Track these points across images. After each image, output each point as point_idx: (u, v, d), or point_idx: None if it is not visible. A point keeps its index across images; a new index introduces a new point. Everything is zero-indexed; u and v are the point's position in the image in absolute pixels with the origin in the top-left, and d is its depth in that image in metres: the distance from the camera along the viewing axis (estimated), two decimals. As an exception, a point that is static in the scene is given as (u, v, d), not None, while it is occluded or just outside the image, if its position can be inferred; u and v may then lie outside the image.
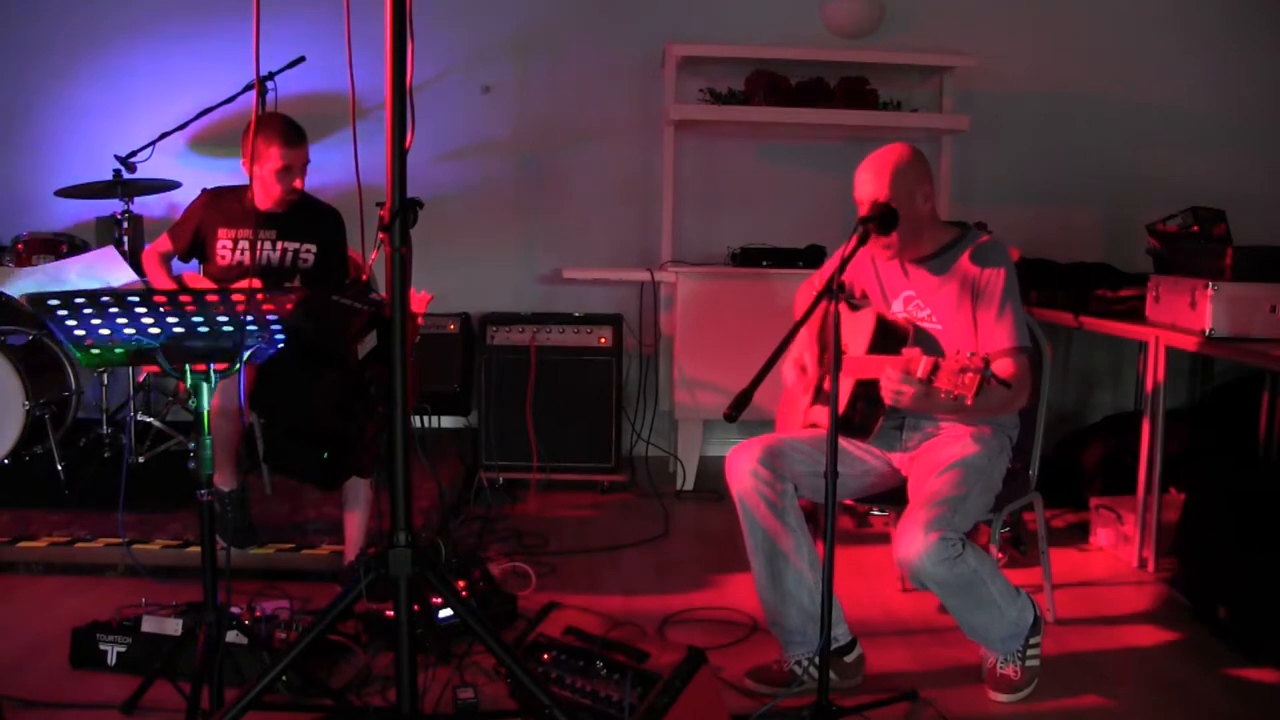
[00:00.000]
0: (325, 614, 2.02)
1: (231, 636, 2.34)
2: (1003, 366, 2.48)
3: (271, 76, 4.18)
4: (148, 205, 4.56)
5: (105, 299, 2.01)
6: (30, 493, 3.72)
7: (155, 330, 2.08)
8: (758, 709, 2.40)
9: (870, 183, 2.54)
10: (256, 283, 2.07)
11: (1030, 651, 2.56)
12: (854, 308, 2.75)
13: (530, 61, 4.93)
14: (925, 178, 2.58)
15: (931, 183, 2.61)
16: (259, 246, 3.28)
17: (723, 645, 2.82)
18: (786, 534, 2.54)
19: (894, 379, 2.29)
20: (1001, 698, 2.54)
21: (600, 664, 2.25)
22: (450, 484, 4.10)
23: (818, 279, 2.80)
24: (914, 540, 2.34)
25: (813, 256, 4.44)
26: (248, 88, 4.25)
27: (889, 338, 2.57)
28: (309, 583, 3.09)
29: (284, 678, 2.26)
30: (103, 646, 2.56)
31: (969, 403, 2.11)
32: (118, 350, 2.14)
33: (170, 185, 4.34)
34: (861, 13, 4.81)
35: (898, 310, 2.70)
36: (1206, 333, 3.15)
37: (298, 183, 3.24)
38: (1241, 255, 3.23)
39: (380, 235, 1.90)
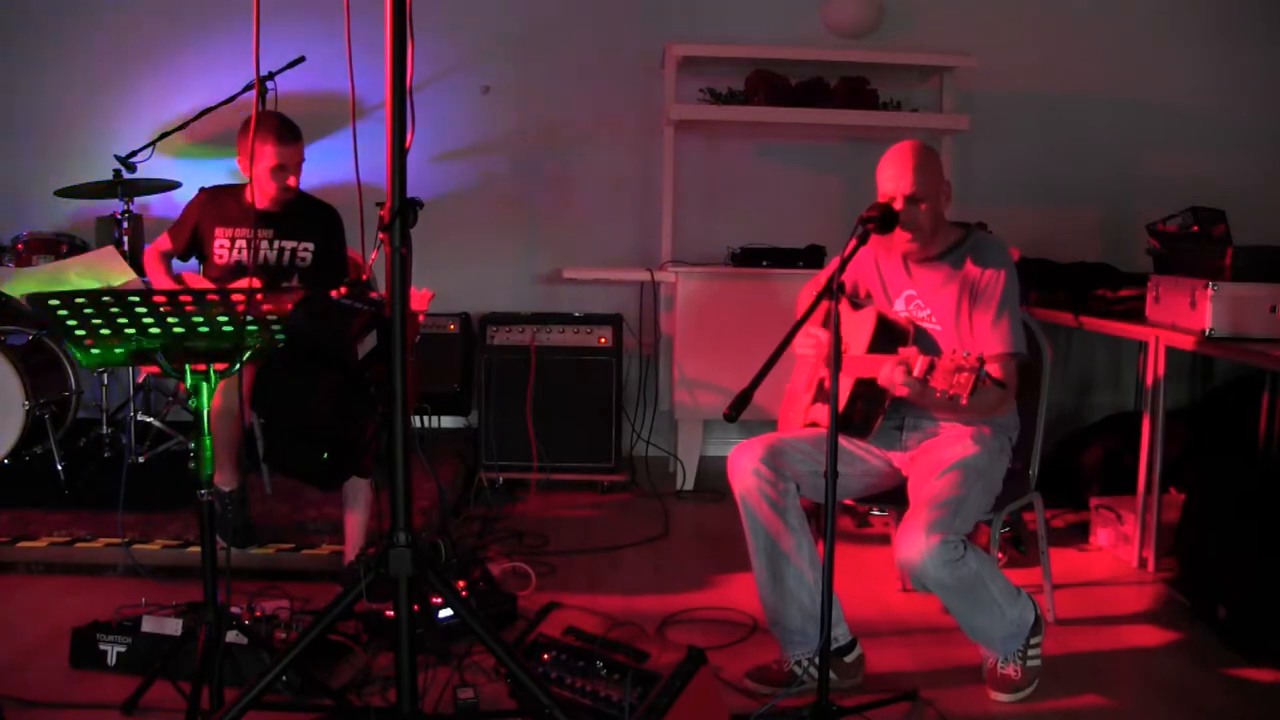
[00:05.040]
0: (325, 614, 2.02)
1: (231, 636, 2.33)
2: (992, 370, 2.48)
3: (271, 76, 4.17)
4: (148, 205, 4.57)
5: (105, 299, 2.01)
6: (30, 493, 3.71)
7: (155, 330, 2.08)
8: (758, 709, 2.40)
9: (896, 177, 2.54)
10: (256, 283, 2.08)
11: (1031, 652, 2.56)
12: (856, 307, 2.75)
13: (530, 61, 4.93)
14: (943, 171, 2.62)
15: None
16: (255, 246, 3.28)
17: (723, 645, 2.82)
18: (788, 533, 2.54)
19: (891, 378, 2.29)
20: (1002, 697, 2.54)
21: (600, 664, 2.25)
22: (450, 484, 4.10)
23: (822, 279, 2.80)
24: (915, 543, 2.34)
25: (813, 256, 4.44)
26: (248, 88, 4.25)
27: (889, 337, 2.57)
28: (309, 583, 3.09)
29: (284, 678, 2.26)
30: (103, 646, 2.56)
31: (964, 402, 2.12)
32: (118, 350, 2.14)
33: (170, 185, 4.34)
34: (861, 13, 4.81)
35: (899, 309, 2.70)
36: (1206, 333, 3.15)
37: (292, 180, 3.24)
38: (1241, 255, 3.23)
39: (380, 235, 1.90)
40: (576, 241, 4.97)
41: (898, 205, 2.53)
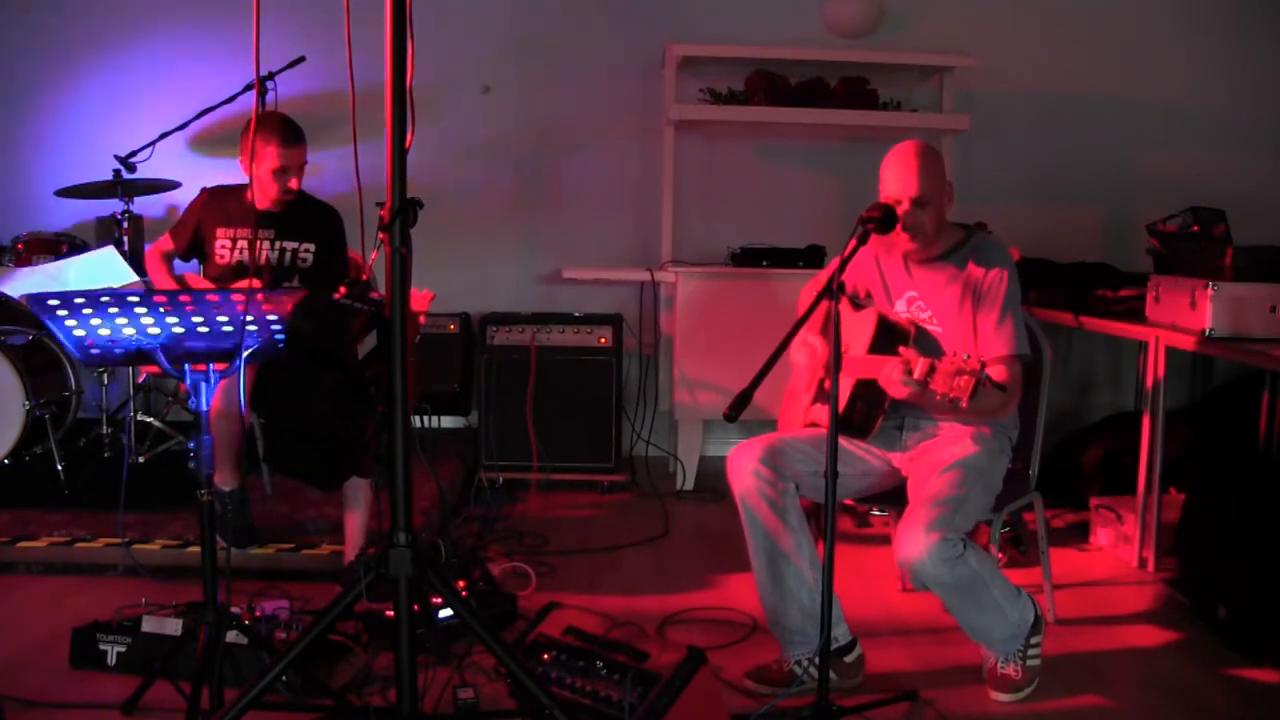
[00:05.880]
0: (325, 614, 2.02)
1: (231, 636, 2.33)
2: (997, 373, 2.48)
3: (271, 76, 4.18)
4: (148, 205, 4.56)
5: (105, 299, 2.01)
6: (30, 493, 3.71)
7: (155, 330, 2.08)
8: (758, 709, 2.40)
9: (900, 179, 2.54)
10: (256, 283, 2.08)
11: (1031, 651, 2.56)
12: (857, 307, 2.75)
13: (530, 62, 4.93)
14: (945, 171, 2.62)
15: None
16: (257, 246, 3.28)
17: (723, 645, 2.82)
18: (787, 533, 2.54)
19: (891, 379, 2.29)
20: (1002, 697, 2.54)
21: (600, 664, 2.25)
22: (450, 484, 4.10)
23: (823, 279, 2.80)
24: (915, 541, 2.34)
25: (813, 256, 4.44)
26: (248, 88, 4.25)
27: (890, 337, 2.57)
28: (309, 583, 3.09)
29: (284, 678, 2.26)
30: (103, 646, 2.56)
31: (964, 405, 2.12)
32: (118, 350, 2.14)
33: (170, 185, 4.34)
34: (861, 13, 4.81)
35: (900, 310, 2.70)
36: (1206, 333, 3.15)
37: (293, 183, 3.23)
38: (1241, 255, 3.23)
39: (380, 235, 1.90)
40: (576, 241, 4.97)
41: (903, 209, 2.52)
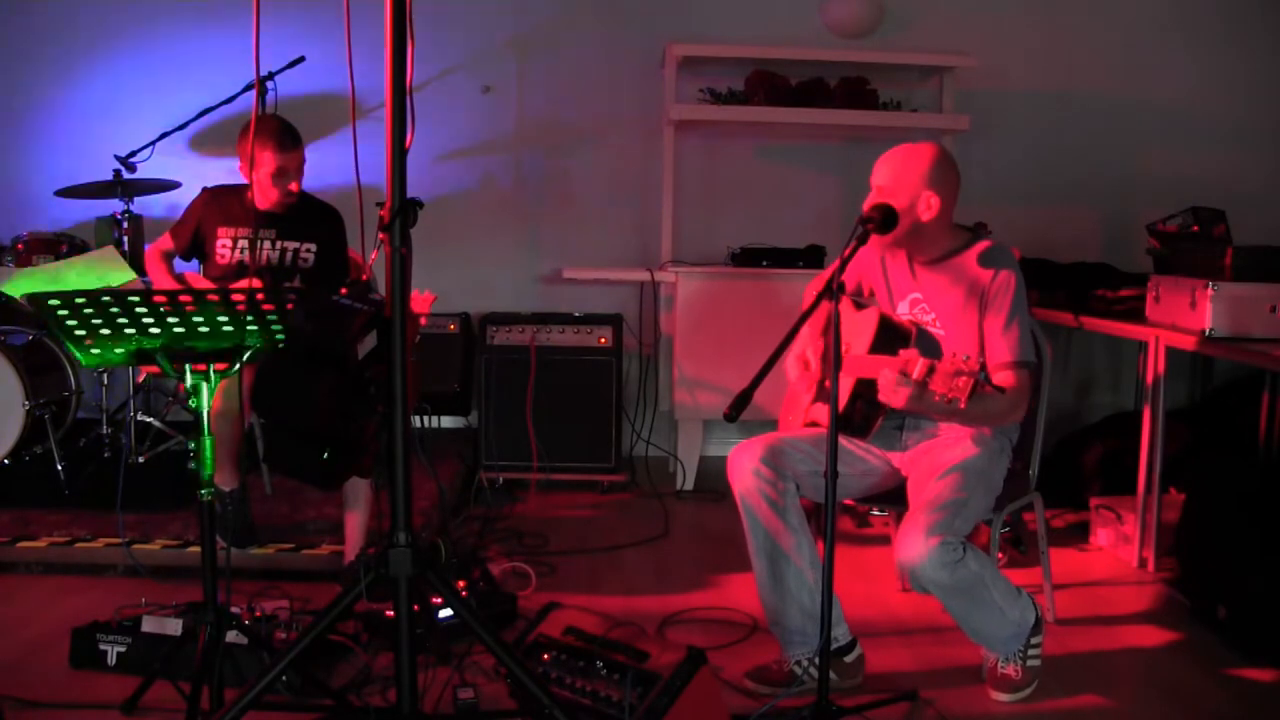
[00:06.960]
0: (325, 614, 2.02)
1: (231, 636, 2.33)
2: (1003, 379, 2.47)
3: (271, 76, 4.18)
4: (148, 205, 4.56)
5: (105, 299, 2.01)
6: (30, 493, 3.71)
7: (155, 330, 2.08)
8: (758, 709, 2.40)
9: (875, 170, 2.55)
10: (256, 283, 2.08)
11: (1031, 651, 2.56)
12: (859, 306, 2.75)
13: (530, 61, 4.93)
14: (939, 182, 2.51)
15: (947, 189, 2.53)
16: (258, 246, 3.28)
17: (723, 645, 2.82)
18: (788, 533, 2.54)
19: (890, 380, 2.29)
20: (1002, 697, 2.54)
21: (600, 664, 2.25)
22: (450, 484, 4.10)
23: (826, 277, 2.79)
24: (915, 545, 2.34)
25: (813, 256, 4.44)
26: (248, 88, 4.25)
27: (891, 338, 2.57)
28: (309, 583, 3.09)
29: (284, 678, 2.26)
30: (103, 646, 2.56)
31: (962, 405, 2.11)
32: (118, 350, 2.14)
33: (170, 185, 4.34)
34: (861, 13, 4.81)
35: (903, 312, 2.69)
36: (1206, 333, 3.15)
37: (293, 186, 3.24)
38: (1241, 255, 3.23)
39: (380, 235, 1.90)
40: (576, 241, 4.97)
41: (869, 199, 2.52)
